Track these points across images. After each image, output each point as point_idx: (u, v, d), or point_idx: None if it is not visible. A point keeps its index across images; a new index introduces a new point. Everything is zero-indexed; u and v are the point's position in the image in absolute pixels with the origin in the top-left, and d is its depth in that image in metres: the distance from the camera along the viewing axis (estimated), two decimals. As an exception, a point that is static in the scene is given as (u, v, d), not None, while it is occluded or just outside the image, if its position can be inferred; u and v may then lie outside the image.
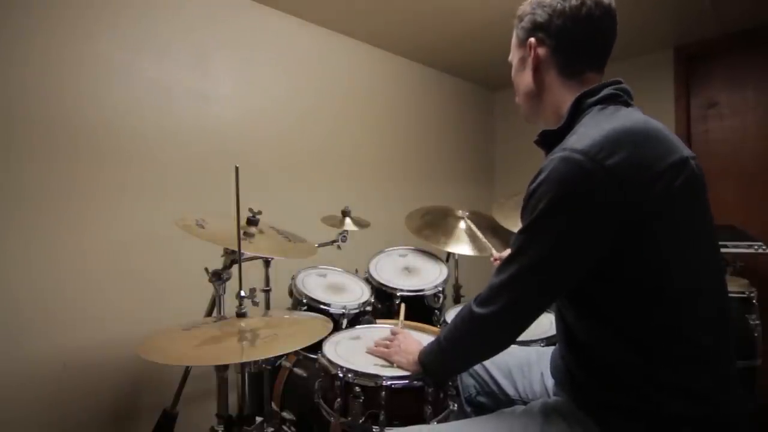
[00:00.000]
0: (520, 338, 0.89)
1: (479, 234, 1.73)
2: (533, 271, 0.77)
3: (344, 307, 1.46)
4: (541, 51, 0.87)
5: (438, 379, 1.04)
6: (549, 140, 0.86)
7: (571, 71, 0.86)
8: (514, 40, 0.95)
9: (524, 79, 0.92)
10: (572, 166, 0.71)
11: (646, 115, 0.81)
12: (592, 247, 0.73)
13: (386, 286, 1.64)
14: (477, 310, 0.85)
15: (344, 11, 2.18)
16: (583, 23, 0.83)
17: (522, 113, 0.97)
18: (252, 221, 1.35)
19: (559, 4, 0.83)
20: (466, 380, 1.15)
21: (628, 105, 0.83)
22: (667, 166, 0.72)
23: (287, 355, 1.47)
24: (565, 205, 0.73)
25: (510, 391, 1.09)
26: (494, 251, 1.57)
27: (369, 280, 1.69)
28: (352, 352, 1.17)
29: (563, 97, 0.86)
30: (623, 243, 0.72)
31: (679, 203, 0.72)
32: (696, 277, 0.75)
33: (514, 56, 0.95)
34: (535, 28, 0.87)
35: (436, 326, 1.53)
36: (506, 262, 0.81)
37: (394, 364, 1.08)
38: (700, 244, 0.76)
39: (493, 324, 0.84)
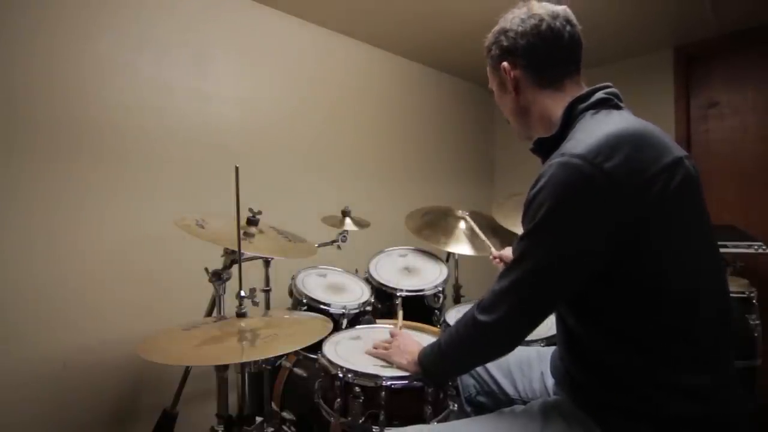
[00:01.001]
0: (520, 338, 0.89)
1: (479, 232, 1.72)
2: (536, 277, 0.77)
3: (344, 307, 1.46)
4: (516, 72, 0.91)
5: (437, 380, 1.04)
6: (545, 147, 0.88)
7: (548, 82, 0.90)
8: (489, 69, 1.00)
9: (509, 101, 0.96)
10: (572, 170, 0.71)
11: (645, 115, 0.82)
12: (594, 251, 0.73)
13: (386, 286, 1.64)
14: (480, 317, 0.85)
15: (344, 11, 2.18)
16: (546, 38, 0.87)
17: (515, 133, 1.01)
18: (252, 221, 1.35)
19: (519, 27, 0.89)
20: (466, 380, 1.15)
21: (618, 108, 0.85)
22: (663, 167, 0.72)
23: (287, 355, 1.46)
24: (566, 210, 0.73)
25: (510, 390, 1.09)
26: (493, 249, 1.57)
27: (369, 280, 1.69)
28: (352, 352, 1.17)
29: (550, 106, 0.89)
30: (622, 245, 0.72)
31: (676, 204, 0.73)
32: (695, 277, 0.75)
33: (493, 83, 1.00)
34: (503, 53, 0.92)
35: (436, 326, 1.53)
36: (509, 268, 0.81)
37: (394, 365, 1.08)
38: (699, 245, 0.77)
39: (495, 331, 0.84)
